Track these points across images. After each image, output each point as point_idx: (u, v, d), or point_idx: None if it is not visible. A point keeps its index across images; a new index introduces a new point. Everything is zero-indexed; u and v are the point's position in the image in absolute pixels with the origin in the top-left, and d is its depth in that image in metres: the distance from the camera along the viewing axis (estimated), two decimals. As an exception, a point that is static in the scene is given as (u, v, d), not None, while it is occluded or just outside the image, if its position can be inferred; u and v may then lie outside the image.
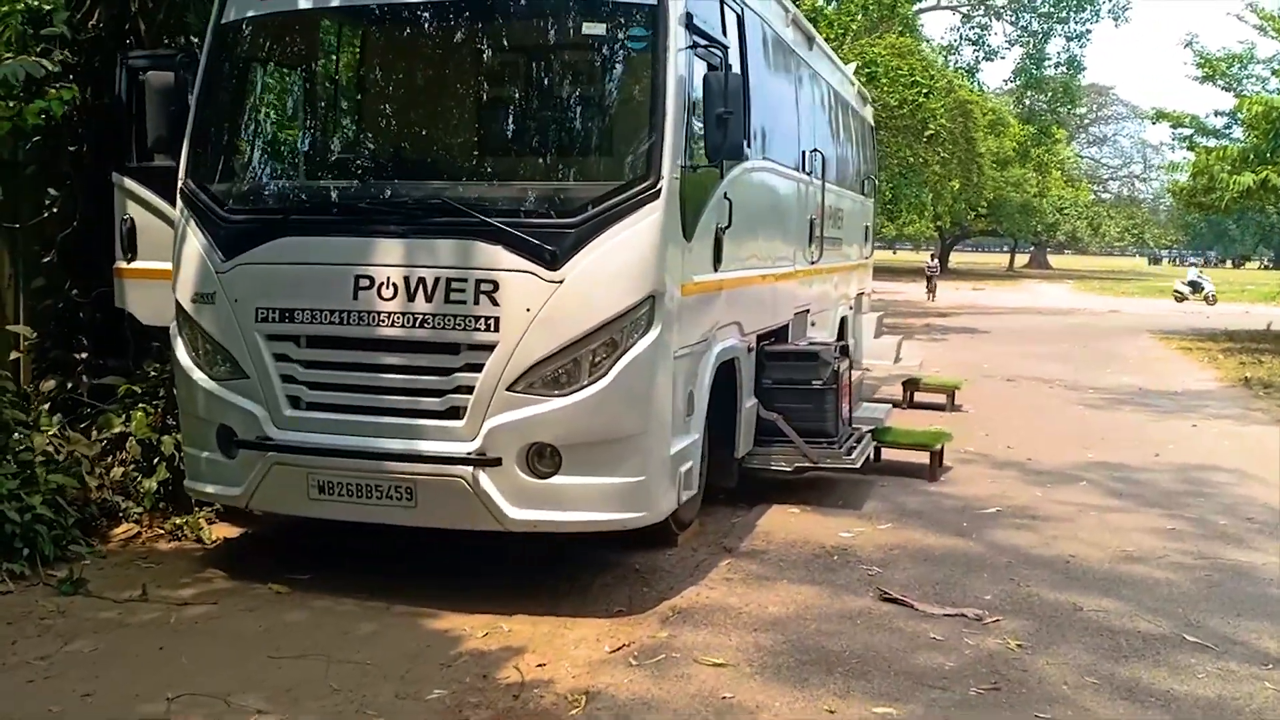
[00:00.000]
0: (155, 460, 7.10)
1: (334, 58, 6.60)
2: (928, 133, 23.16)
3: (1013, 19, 40.35)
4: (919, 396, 13.52)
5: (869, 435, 9.09)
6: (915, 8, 34.13)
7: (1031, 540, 7.40)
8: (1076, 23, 39.17)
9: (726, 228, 6.75)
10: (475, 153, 6.25)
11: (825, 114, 10.77)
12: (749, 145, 7.38)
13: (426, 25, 6.33)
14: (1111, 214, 76.39)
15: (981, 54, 40.25)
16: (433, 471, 5.64)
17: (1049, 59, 39.77)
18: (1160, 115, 28.37)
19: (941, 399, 13.28)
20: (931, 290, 38.04)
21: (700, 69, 6.14)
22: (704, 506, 7.64)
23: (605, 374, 5.61)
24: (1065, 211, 68.66)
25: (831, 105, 11.15)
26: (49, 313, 8.19)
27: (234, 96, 6.49)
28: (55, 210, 8.33)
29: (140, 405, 7.22)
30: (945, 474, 9.48)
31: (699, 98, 6.08)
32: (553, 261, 5.58)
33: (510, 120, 6.33)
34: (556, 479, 5.66)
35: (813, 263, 9.90)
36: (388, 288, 5.71)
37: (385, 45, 6.70)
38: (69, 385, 7.79)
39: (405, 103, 6.59)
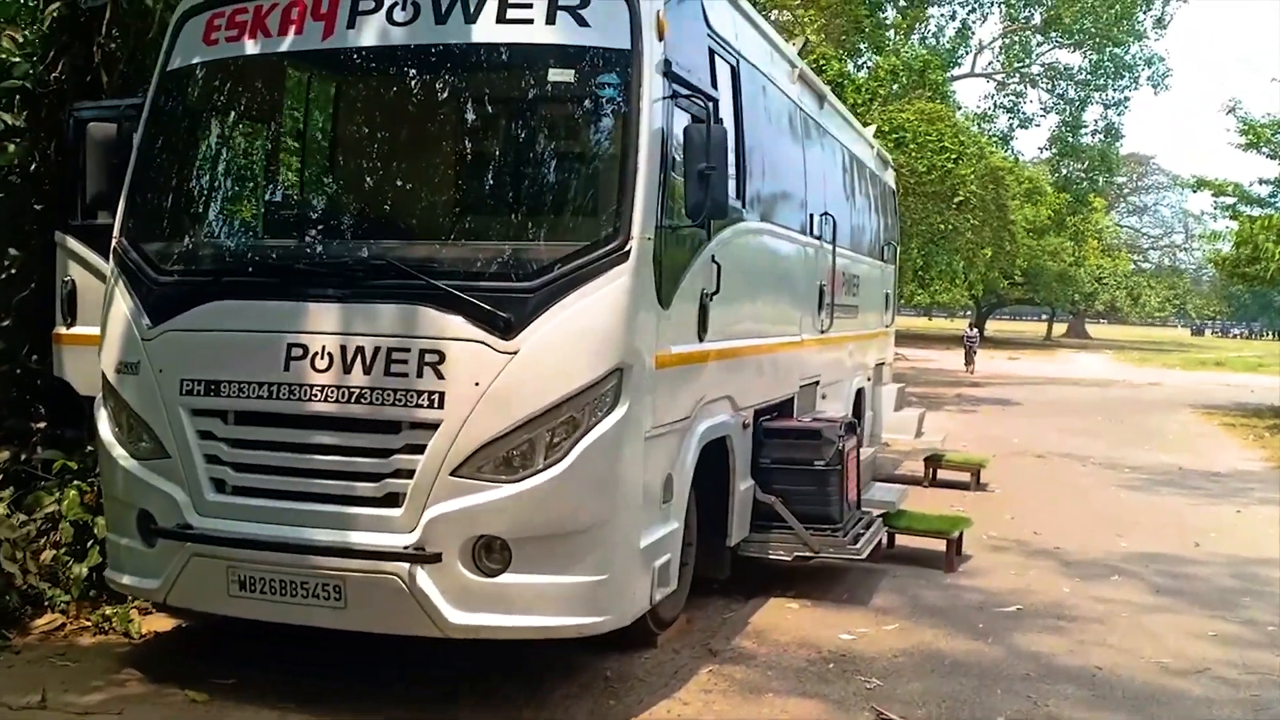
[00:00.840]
0: (88, 543, 6.49)
1: (280, 109, 6.06)
2: (957, 199, 22.54)
3: (1048, 87, 39.94)
4: (942, 474, 12.75)
5: (879, 520, 8.35)
6: (949, 74, 33.76)
7: (1056, 645, 6.62)
8: (1114, 90, 38.68)
9: (714, 294, 6.12)
10: (426, 210, 5.67)
11: (838, 176, 10.17)
12: (744, 206, 6.79)
13: (379, 73, 5.80)
14: (1152, 284, 75.20)
15: (1016, 121, 39.83)
16: (364, 568, 4.98)
17: (1085, 126, 39.19)
18: (1201, 183, 27.65)
19: (966, 477, 12.51)
20: (970, 361, 36.35)
21: (683, 122, 5.55)
22: (696, 597, 6.96)
23: (563, 457, 4.95)
24: (1104, 281, 67.66)
25: (846, 167, 10.56)
26: (5, 378, 7.73)
27: (175, 149, 5.96)
28: (14, 271, 7.91)
29: (74, 483, 6.63)
30: (965, 563, 8.71)
31: (681, 153, 5.48)
32: (506, 330, 4.96)
33: (466, 175, 5.73)
34: (505, 577, 4.98)
35: (823, 332, 9.24)
36: (322, 358, 5.10)
37: (335, 95, 6.18)
38: (22, 457, 7.27)
39: (353, 156, 6.04)
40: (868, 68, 28.25)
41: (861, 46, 29.44)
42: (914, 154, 21.86)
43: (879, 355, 12.70)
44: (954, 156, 22.03)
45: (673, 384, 5.63)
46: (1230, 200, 27.35)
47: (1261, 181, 28.08)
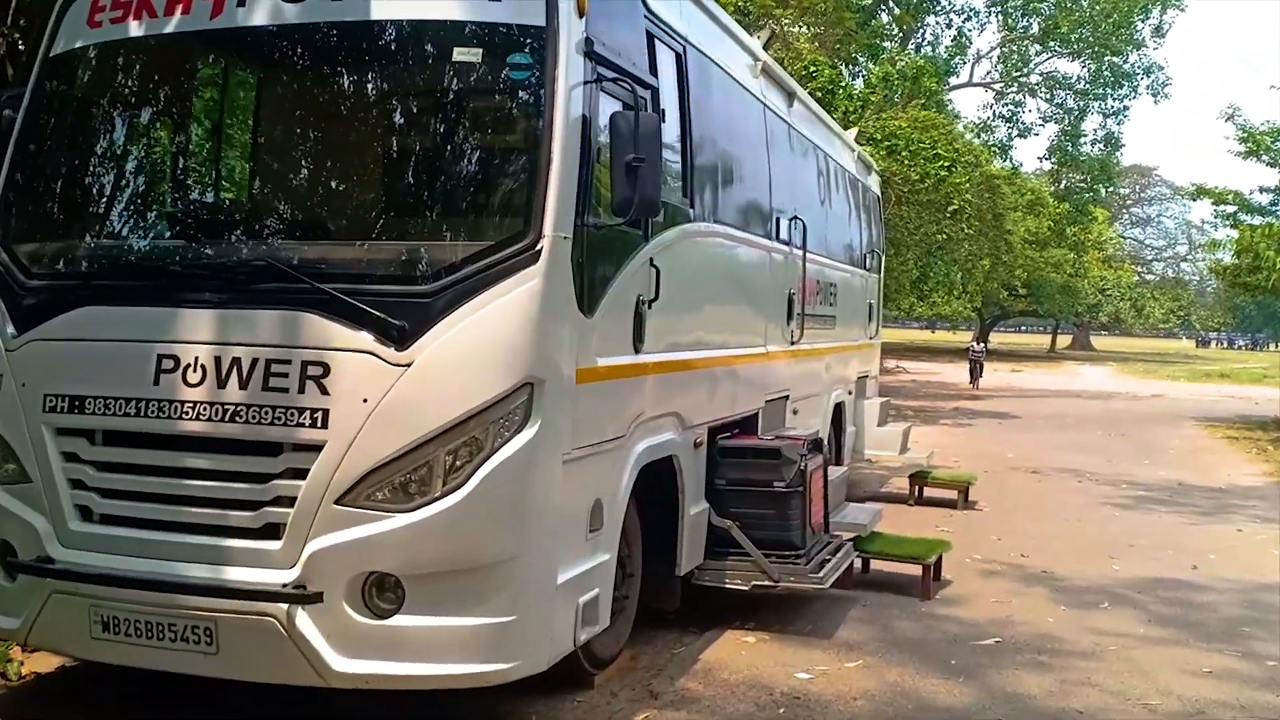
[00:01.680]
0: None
1: (165, 96, 5.49)
2: (951, 208, 21.97)
3: (1047, 96, 39.41)
4: (929, 491, 12.15)
5: (849, 545, 7.75)
6: (946, 84, 33.25)
7: (1036, 685, 6.02)
8: (1114, 99, 38.12)
9: (653, 301, 5.56)
10: (315, 206, 5.08)
11: (810, 179, 9.60)
12: (692, 206, 6.22)
13: (270, 56, 5.23)
14: (1156, 295, 74.62)
15: (1015, 131, 39.26)
16: (238, 608, 4.40)
17: (1085, 136, 38.64)
18: (1201, 191, 27.06)
19: (953, 494, 11.90)
20: (976, 376, 34.18)
21: (612, 110, 4.98)
22: (647, 629, 6.42)
23: (464, 482, 4.38)
24: (1108, 292, 67.08)
25: (821, 170, 9.99)
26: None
27: (53, 141, 5.39)
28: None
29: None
30: (944, 589, 8.10)
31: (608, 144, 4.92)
32: (400, 339, 4.39)
33: (361, 167, 5.14)
34: (398, 619, 4.40)
35: (793, 343, 8.66)
36: (195, 370, 4.53)
37: (223, 81, 5.61)
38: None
39: (240, 148, 5.47)
40: (862, 76, 27.76)
41: (859, 58, 28.99)
42: (907, 162, 21.31)
43: (861, 368, 12.11)
44: (948, 164, 21.47)
45: (600, 400, 5.06)
46: (1231, 209, 26.73)
47: (1262, 190, 27.44)
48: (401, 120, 5.06)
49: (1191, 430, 22.71)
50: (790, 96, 8.91)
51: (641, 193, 4.82)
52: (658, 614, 6.55)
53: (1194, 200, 28.39)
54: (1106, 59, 36.35)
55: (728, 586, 6.75)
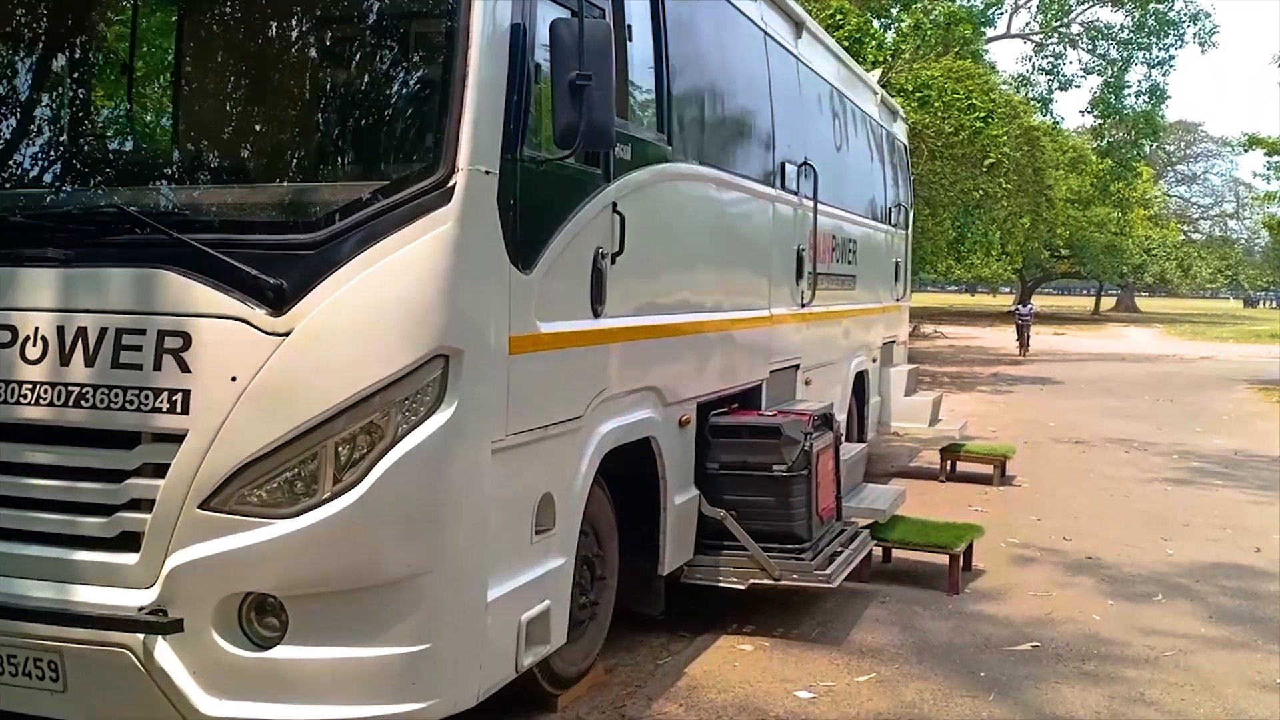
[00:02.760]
0: None
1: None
2: (988, 162, 20.81)
3: (1089, 46, 37.79)
4: (962, 466, 11.20)
5: (865, 533, 6.84)
6: (984, 35, 31.88)
7: (1081, 706, 5.10)
8: (1159, 49, 36.45)
9: (617, 254, 4.66)
10: (178, 143, 4.20)
11: (823, 122, 8.62)
12: (670, 143, 5.30)
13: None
14: (1203, 254, 72.48)
15: (1056, 84, 37.71)
16: (86, 638, 3.57)
17: (1129, 87, 37.01)
18: (1254, 141, 25.79)
19: (988, 469, 10.93)
20: (1024, 342, 31.85)
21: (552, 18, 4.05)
22: (634, 633, 5.68)
23: (359, 480, 3.51)
24: (1153, 252, 65.18)
25: (835, 113, 9.00)
26: None
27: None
28: None
29: None
30: (976, 580, 7.19)
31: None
32: (276, 301, 3.52)
33: (231, 92, 4.22)
34: (281, 650, 3.56)
35: (803, 305, 7.73)
36: (35, 344, 3.69)
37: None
38: None
39: (87, 75, 4.52)
40: (894, 29, 26.52)
41: (891, 9, 27.71)
42: (940, 114, 20.17)
43: (887, 332, 11.14)
44: (983, 116, 20.29)
45: (546, 374, 4.18)
46: (1286, 159, 25.37)
47: (1317, 139, 26.02)
48: (280, 36, 4.14)
49: (1244, 394, 21.51)
50: (798, 26, 7.92)
51: (589, 118, 3.91)
52: (644, 617, 5.71)
53: (1246, 151, 27.01)
54: (1151, 6, 34.69)
55: (721, 585, 5.88)
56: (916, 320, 43.10)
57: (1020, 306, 33.40)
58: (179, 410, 3.53)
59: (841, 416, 9.14)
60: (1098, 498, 10.29)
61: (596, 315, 4.55)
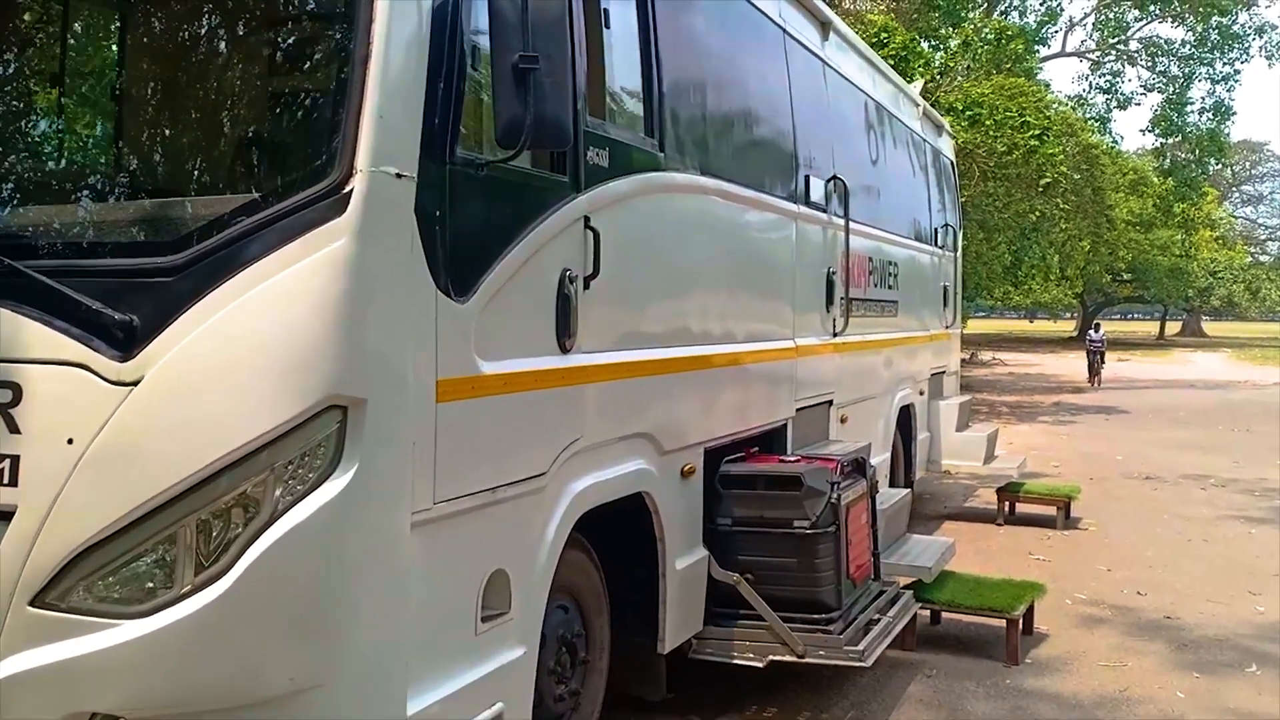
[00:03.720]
0: None
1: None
2: (1044, 181, 19.80)
3: (1148, 64, 36.62)
4: (1022, 507, 10.24)
5: (907, 595, 5.97)
6: (1037, 53, 30.90)
7: (1165, 811, 4.22)
8: (1223, 63, 35.19)
9: (591, 277, 3.89)
10: (10, 153, 3.51)
11: (857, 133, 7.81)
12: (662, 149, 4.54)
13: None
14: (1271, 276, 70.23)
15: (1114, 103, 36.55)
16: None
17: (1191, 104, 35.75)
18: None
19: (1051, 510, 9.97)
20: (1095, 371, 29.23)
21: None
22: (638, 715, 4.88)
23: (228, 569, 2.75)
24: (1219, 275, 63.28)
25: (871, 124, 8.19)
26: None
27: None
28: None
29: None
30: (1037, 646, 6.29)
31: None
32: (125, 342, 2.79)
33: (73, 89, 3.52)
34: (132, 791, 2.80)
35: (835, 334, 6.92)
36: None
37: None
38: None
39: None
40: (943, 50, 25.65)
41: (940, 29, 26.85)
42: (992, 132, 19.23)
43: (936, 362, 10.26)
44: (1038, 134, 19.32)
45: (492, 423, 3.40)
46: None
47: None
48: (136, 13, 3.42)
49: (1326, 422, 20.22)
50: (824, 27, 7.13)
51: (537, 110, 3.15)
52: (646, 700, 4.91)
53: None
54: (1214, 20, 33.49)
55: (736, 662, 5.05)
56: (974, 347, 42.01)
57: (1092, 333, 31.13)
58: (5, 481, 2.81)
59: (884, 456, 8.32)
60: (1173, 543, 9.30)
61: (565, 350, 3.78)
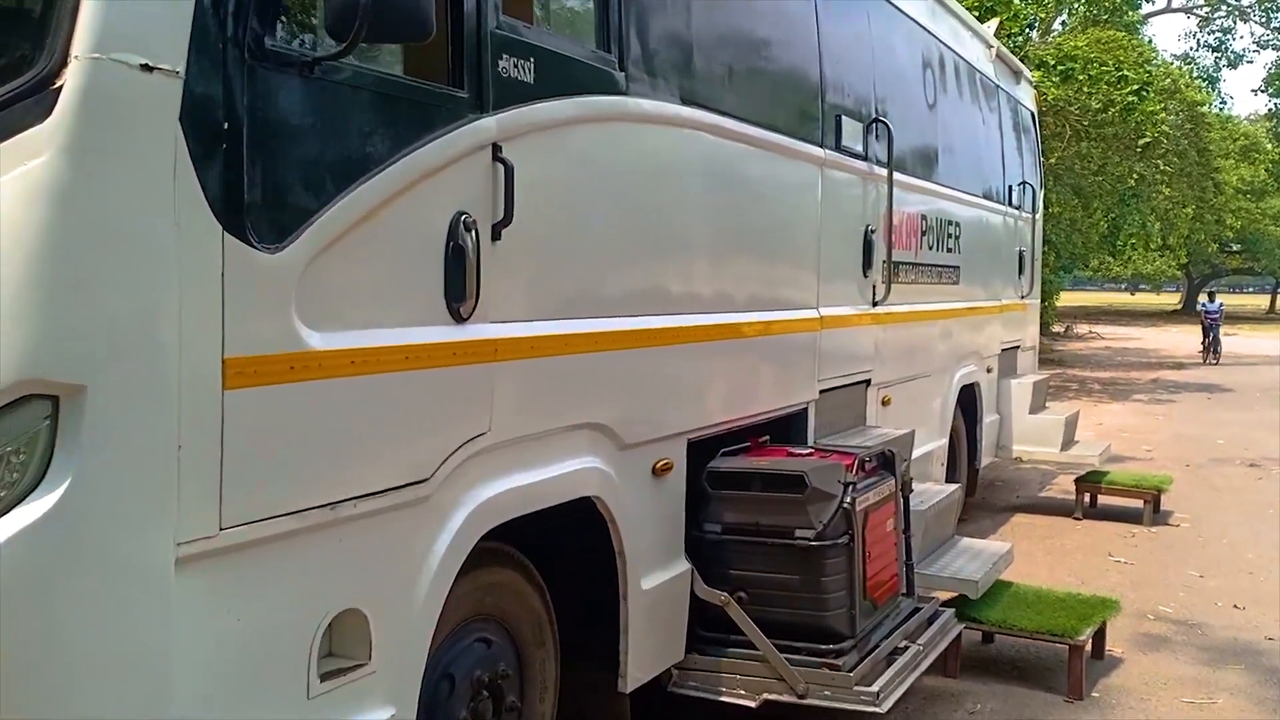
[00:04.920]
0: None
1: None
2: (1142, 141, 18.35)
3: (1262, 18, 34.39)
4: (1104, 499, 9.13)
5: (948, 614, 5.00)
6: (1140, 10, 29.04)
7: None
8: (1346, 15, 32.86)
9: (502, 224, 3.01)
10: None
11: (908, 71, 6.75)
12: (623, 66, 3.62)
13: None
14: (1394, 246, 66.39)
15: (1224, 61, 34.48)
16: None
17: (1310, 61, 33.52)
18: None
19: (1138, 503, 8.84)
20: (1210, 345, 26.16)
21: None
22: None
23: None
24: (1337, 245, 59.96)
25: (929, 62, 7.12)
26: None
27: None
28: None
29: None
30: (1108, 674, 5.29)
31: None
32: None
33: None
34: None
35: (875, 303, 5.94)
36: None
37: None
38: None
39: None
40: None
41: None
42: (1086, 88, 17.83)
43: (1008, 336, 9.17)
44: (1136, 89, 17.86)
45: (330, 418, 2.54)
46: None
47: None
48: None
49: None
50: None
51: None
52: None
53: None
54: (1335, -31, 31.26)
55: (724, 699, 4.15)
56: (1069, 320, 40.14)
57: (1206, 302, 28.15)
58: None
59: (939, 443, 7.32)
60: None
61: (459, 318, 2.89)
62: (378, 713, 2.72)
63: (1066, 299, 47.66)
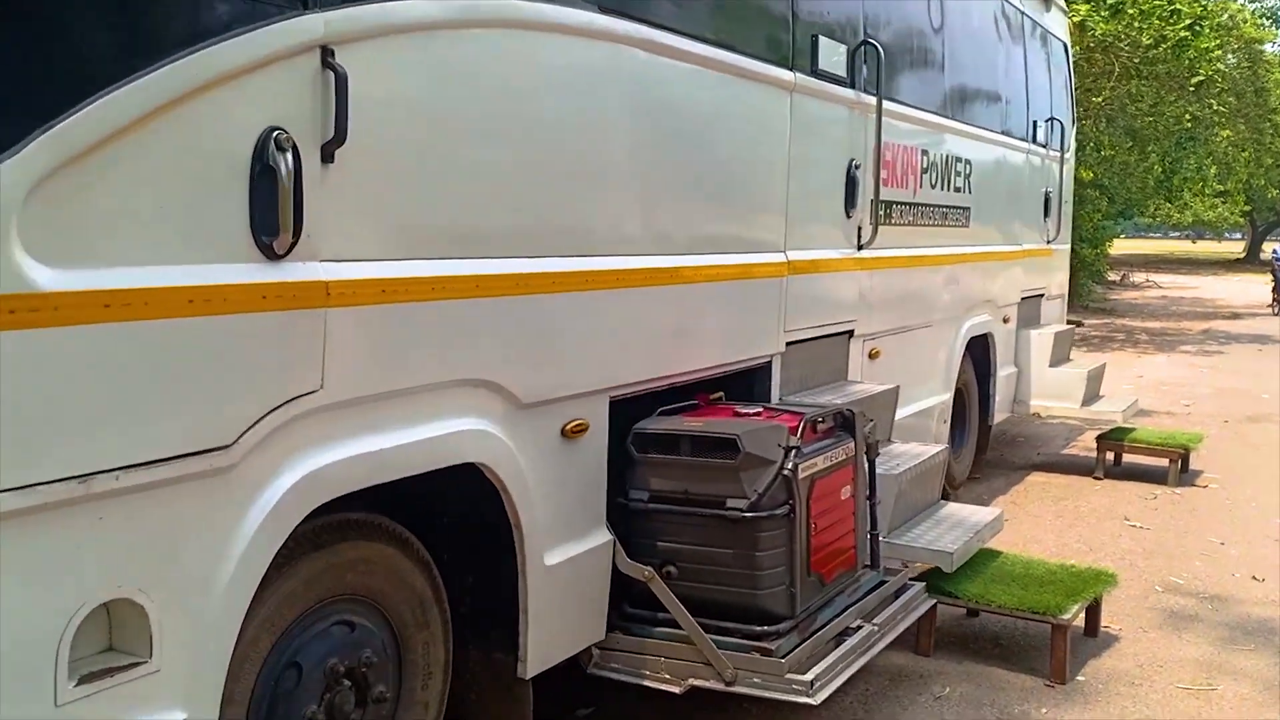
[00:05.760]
0: None
1: None
2: (1195, 80, 17.38)
3: (1334, -48, 32.75)
4: (1130, 457, 8.56)
5: (916, 589, 4.53)
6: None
7: None
8: None
9: (333, 144, 2.56)
10: None
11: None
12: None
13: None
14: None
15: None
16: None
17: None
18: None
19: (1164, 462, 8.27)
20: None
21: None
22: None
23: None
24: None
25: (935, -20, 6.52)
26: None
27: None
28: None
29: None
30: (1098, 656, 4.81)
31: None
32: None
33: None
34: None
35: (860, 246, 5.43)
36: None
37: None
38: None
39: None
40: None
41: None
42: (1136, 23, 16.88)
43: (1030, 283, 8.58)
44: (1189, 24, 16.88)
45: (71, 373, 2.10)
46: None
47: None
48: None
49: None
50: None
51: None
52: None
53: None
54: None
55: (647, 684, 3.73)
56: (1125, 268, 38.89)
57: (1278, 248, 26.57)
58: None
59: (942, 398, 6.84)
60: (1315, 509, 7.55)
61: (273, 255, 2.46)
62: (161, 716, 2.32)
63: (1124, 247, 46.29)
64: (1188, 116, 19.53)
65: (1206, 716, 4.25)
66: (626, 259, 3.70)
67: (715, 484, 3.68)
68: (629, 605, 3.83)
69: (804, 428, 3.82)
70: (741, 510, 3.62)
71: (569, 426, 3.50)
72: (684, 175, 4.04)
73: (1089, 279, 25.87)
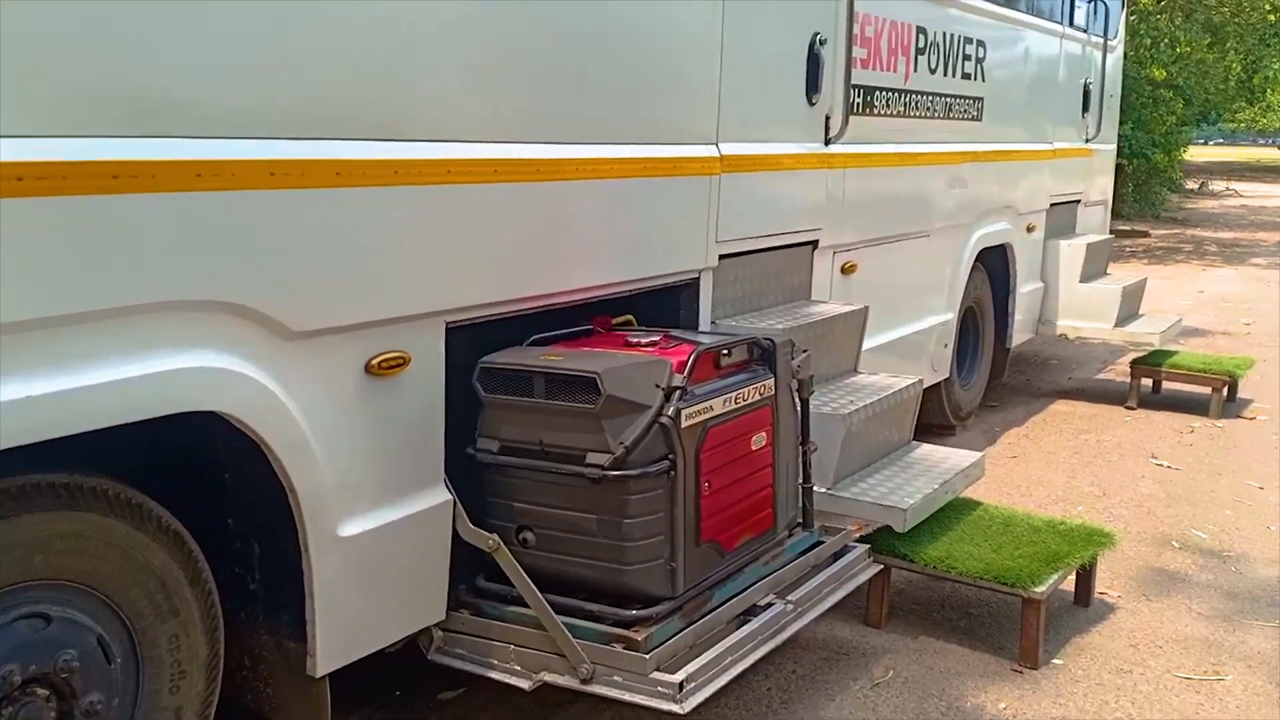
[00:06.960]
0: None
1: None
2: (1281, -35, 15.89)
3: None
4: (1170, 385, 7.66)
5: (857, 552, 3.77)
6: None
7: None
8: None
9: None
10: None
11: None
12: None
13: None
14: None
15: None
16: None
17: None
18: None
19: (1206, 391, 7.35)
20: None
21: None
22: None
23: None
24: None
25: None
26: None
27: None
28: None
29: None
30: (1084, 633, 4.03)
31: None
32: None
33: None
34: None
35: (828, 139, 4.59)
36: None
37: None
38: None
39: None
40: None
41: None
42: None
43: (1062, 188, 7.61)
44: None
45: None
46: None
47: None
48: None
49: None
50: None
51: None
52: None
53: None
54: None
55: (492, 676, 3.04)
56: (1205, 176, 36.90)
57: None
58: None
59: (945, 318, 6.02)
60: (1375, 448, 6.61)
61: None
62: None
63: (1206, 154, 44.04)
64: (1270, 8, 17.96)
65: (1205, 717, 3.46)
66: (463, 146, 2.91)
67: (573, 434, 2.93)
68: (485, 578, 3.14)
69: (694, 362, 3.05)
70: (603, 467, 2.88)
71: (377, 361, 2.76)
72: (563, 44, 3.21)
73: (1162, 187, 24.42)
